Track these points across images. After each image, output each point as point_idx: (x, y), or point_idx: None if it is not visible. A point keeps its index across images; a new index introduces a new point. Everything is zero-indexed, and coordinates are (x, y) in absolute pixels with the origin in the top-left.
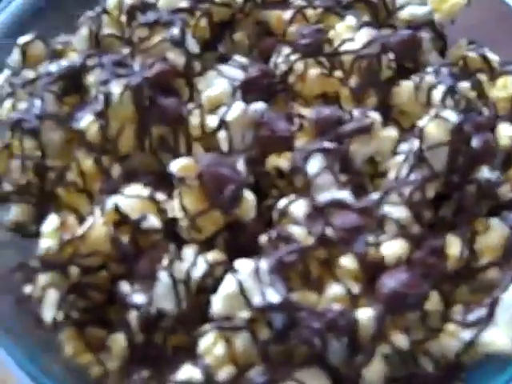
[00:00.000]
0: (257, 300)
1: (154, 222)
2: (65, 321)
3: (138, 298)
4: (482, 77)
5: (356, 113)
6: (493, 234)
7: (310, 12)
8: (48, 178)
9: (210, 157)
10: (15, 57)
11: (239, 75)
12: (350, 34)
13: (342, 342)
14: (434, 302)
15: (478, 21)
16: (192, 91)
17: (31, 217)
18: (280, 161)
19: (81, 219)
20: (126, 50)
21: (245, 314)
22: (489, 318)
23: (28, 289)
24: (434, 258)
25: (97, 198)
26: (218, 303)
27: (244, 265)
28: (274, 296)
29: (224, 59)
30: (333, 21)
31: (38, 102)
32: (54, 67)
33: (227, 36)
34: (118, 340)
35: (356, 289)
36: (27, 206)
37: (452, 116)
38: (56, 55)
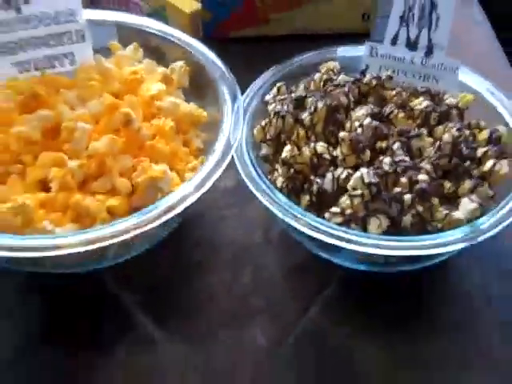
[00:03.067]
0: None
1: None
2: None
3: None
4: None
5: None
6: None
7: (403, 93)
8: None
9: None
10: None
11: (370, 110)
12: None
13: None
14: None
15: None
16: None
17: (272, 151)
18: None
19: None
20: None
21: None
22: None
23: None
24: None
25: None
26: None
27: None
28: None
29: None
30: (412, 99)
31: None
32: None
33: (362, 100)
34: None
35: None
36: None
37: None
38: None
